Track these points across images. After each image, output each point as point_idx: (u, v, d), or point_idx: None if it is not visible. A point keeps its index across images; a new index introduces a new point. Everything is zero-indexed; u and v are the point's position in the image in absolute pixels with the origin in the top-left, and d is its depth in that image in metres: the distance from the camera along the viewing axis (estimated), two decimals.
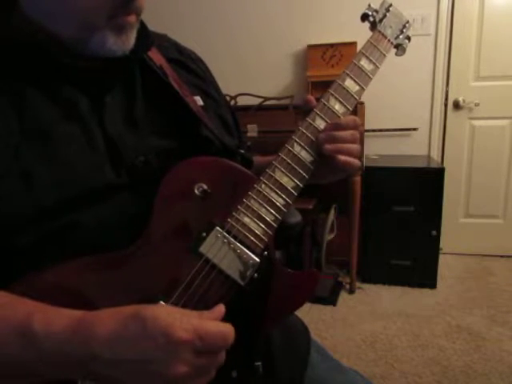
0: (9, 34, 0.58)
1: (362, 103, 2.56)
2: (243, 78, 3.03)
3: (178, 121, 0.68)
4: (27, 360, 0.47)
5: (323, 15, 2.91)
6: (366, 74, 0.67)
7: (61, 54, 0.58)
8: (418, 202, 2.51)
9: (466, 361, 1.87)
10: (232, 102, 2.74)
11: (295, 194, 0.63)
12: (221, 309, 0.51)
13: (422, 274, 2.55)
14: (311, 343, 0.80)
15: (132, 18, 0.58)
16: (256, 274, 0.60)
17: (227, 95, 2.64)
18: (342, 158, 0.65)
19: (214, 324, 0.48)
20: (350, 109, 0.66)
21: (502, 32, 2.76)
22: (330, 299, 2.43)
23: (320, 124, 0.65)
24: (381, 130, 2.92)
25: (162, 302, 0.55)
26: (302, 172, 0.64)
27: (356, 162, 0.67)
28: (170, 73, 0.69)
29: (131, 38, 0.59)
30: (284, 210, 0.62)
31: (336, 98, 0.66)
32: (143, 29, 0.66)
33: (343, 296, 2.52)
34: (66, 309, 0.49)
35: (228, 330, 0.48)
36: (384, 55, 0.69)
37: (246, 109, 2.69)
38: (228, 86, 2.69)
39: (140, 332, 0.45)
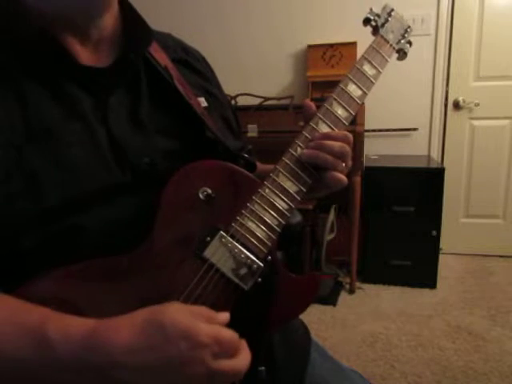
0: (9, 25, 0.57)
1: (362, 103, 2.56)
2: (243, 78, 3.03)
3: (183, 122, 0.68)
4: (42, 367, 0.47)
5: (323, 15, 2.91)
6: (369, 78, 0.68)
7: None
8: (418, 202, 2.51)
9: (466, 361, 1.87)
10: (232, 102, 2.74)
11: (298, 198, 0.63)
12: (227, 316, 0.52)
13: (422, 274, 2.56)
14: (311, 343, 0.80)
15: None
16: (260, 279, 0.60)
17: (227, 95, 2.63)
18: (330, 173, 0.64)
19: (227, 330, 0.49)
20: (353, 113, 0.66)
21: (501, 32, 2.77)
22: (330, 299, 2.43)
23: (323, 128, 0.65)
24: (381, 130, 2.92)
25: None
26: (304, 176, 0.64)
27: (339, 176, 0.64)
28: (174, 74, 0.69)
29: None
30: (287, 214, 0.62)
31: (339, 103, 0.66)
32: (141, 25, 0.66)
33: (343, 296, 2.52)
34: (79, 317, 0.49)
35: (236, 336, 0.50)
36: (386, 60, 0.69)
37: (246, 109, 2.69)
38: (228, 86, 2.67)
39: (161, 338, 0.45)
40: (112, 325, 0.47)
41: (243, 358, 0.50)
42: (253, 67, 3.07)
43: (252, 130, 2.58)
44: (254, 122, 2.58)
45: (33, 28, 0.57)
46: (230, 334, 0.49)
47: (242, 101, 2.79)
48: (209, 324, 0.48)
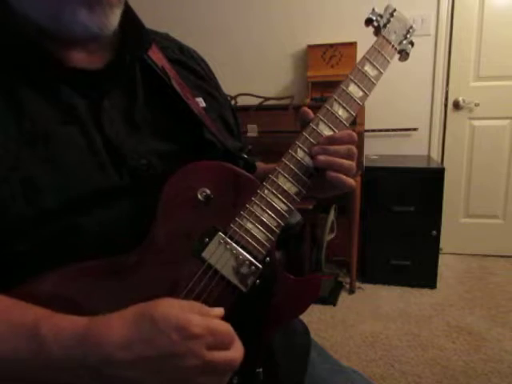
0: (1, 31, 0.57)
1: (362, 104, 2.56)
2: (243, 78, 3.03)
3: (180, 123, 0.67)
4: (37, 366, 0.47)
5: (323, 15, 2.91)
6: (370, 79, 0.67)
7: (50, 45, 0.58)
8: (418, 202, 2.51)
9: (466, 361, 1.87)
10: (232, 102, 2.74)
11: (298, 199, 0.63)
12: (221, 310, 0.52)
13: (422, 274, 2.55)
14: (311, 343, 0.80)
15: None
16: (258, 281, 0.60)
17: (227, 95, 2.63)
18: (333, 173, 0.63)
19: (220, 321, 0.49)
20: (354, 114, 0.66)
21: (501, 32, 2.76)
22: (330, 299, 2.43)
23: (323, 129, 0.65)
24: (381, 130, 2.92)
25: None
26: (304, 178, 0.63)
27: (349, 180, 0.64)
28: (171, 74, 0.68)
29: (110, 17, 0.58)
30: (286, 215, 0.62)
31: (339, 104, 0.65)
32: (139, 28, 0.65)
33: (343, 296, 2.52)
34: (73, 316, 0.49)
35: (230, 327, 0.50)
36: (388, 61, 0.69)
37: (246, 109, 2.69)
38: (228, 86, 2.67)
39: (152, 331, 0.45)
40: (104, 321, 0.47)
41: (237, 349, 0.50)
42: (253, 67, 3.07)
43: (252, 130, 2.58)
44: (253, 122, 2.58)
45: (20, 34, 0.57)
46: (223, 325, 0.49)
47: (242, 101, 2.78)
48: (201, 316, 0.48)
